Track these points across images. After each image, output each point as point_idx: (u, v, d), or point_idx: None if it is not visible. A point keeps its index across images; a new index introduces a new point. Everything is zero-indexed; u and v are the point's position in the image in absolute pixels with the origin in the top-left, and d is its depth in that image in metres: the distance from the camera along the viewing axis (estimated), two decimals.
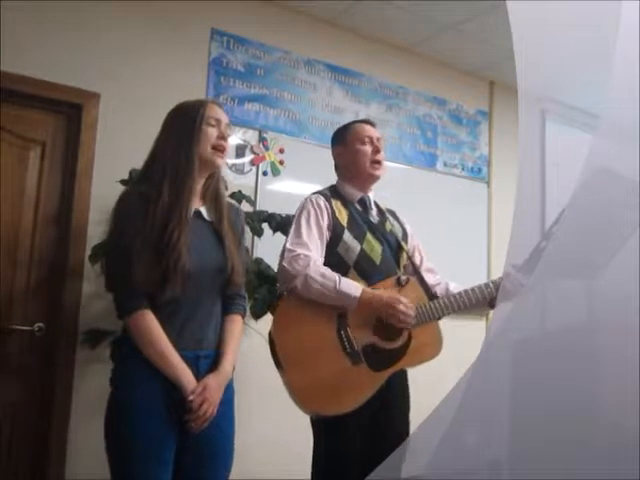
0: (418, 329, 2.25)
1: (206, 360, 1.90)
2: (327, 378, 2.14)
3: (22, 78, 3.03)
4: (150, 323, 1.82)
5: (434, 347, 2.31)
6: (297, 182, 3.89)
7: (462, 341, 3.38)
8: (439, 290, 2.47)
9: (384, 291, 2.23)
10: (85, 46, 3.26)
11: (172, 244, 1.81)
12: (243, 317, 2.10)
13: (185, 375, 1.82)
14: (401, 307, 2.17)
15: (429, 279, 2.50)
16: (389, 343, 2.23)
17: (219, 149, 1.98)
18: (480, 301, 2.30)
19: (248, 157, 3.76)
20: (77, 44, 3.24)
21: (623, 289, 1.54)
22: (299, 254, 2.20)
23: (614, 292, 1.59)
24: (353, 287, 2.18)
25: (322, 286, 2.15)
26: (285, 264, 2.20)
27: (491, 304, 2.31)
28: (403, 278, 2.31)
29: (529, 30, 1.55)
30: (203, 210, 2.00)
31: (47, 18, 3.16)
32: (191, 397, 1.80)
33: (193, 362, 1.86)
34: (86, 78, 3.23)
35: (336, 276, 2.18)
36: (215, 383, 1.86)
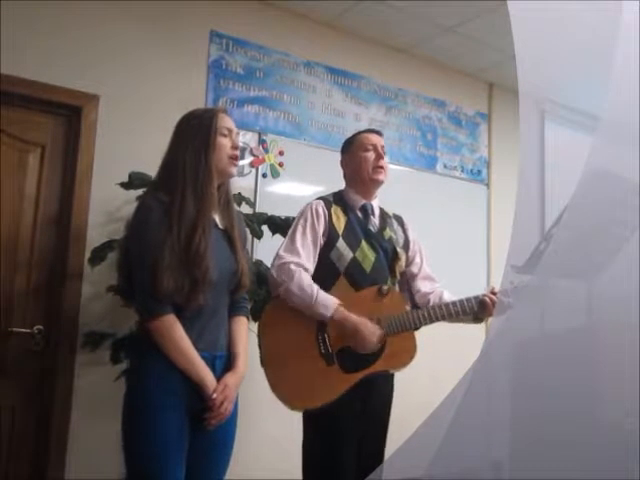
0: (394, 337, 2.36)
1: (221, 360, 2.01)
2: (301, 375, 2.30)
3: (22, 80, 3.03)
4: (175, 327, 1.90)
5: (407, 355, 2.40)
6: (296, 184, 3.89)
7: (461, 341, 3.38)
8: (432, 298, 2.55)
9: (355, 317, 2.31)
10: (84, 48, 3.26)
11: (200, 257, 1.89)
12: (248, 319, 2.20)
13: (208, 375, 1.93)
14: (365, 334, 2.28)
15: (425, 287, 2.60)
16: None
17: (233, 158, 2.06)
18: (460, 314, 2.40)
19: (248, 159, 3.76)
20: (76, 46, 3.24)
21: (623, 289, 1.54)
22: (287, 262, 2.34)
23: (614, 293, 1.59)
24: (327, 305, 2.30)
25: (300, 299, 2.30)
26: (273, 271, 2.37)
27: (476, 317, 2.43)
28: (384, 288, 2.41)
29: (530, 31, 1.55)
30: (217, 218, 2.07)
31: (46, 20, 3.16)
32: (214, 395, 1.90)
33: (210, 362, 1.96)
34: (85, 80, 3.23)
35: (315, 291, 2.30)
36: (233, 382, 1.99)
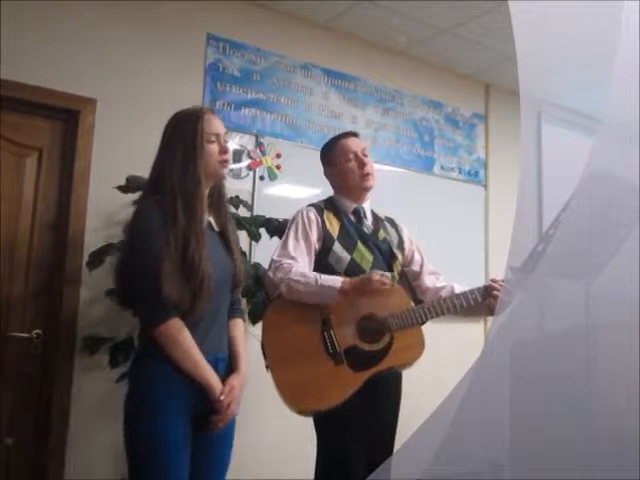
0: (400, 333, 2.33)
1: (222, 362, 2.02)
2: (310, 377, 2.25)
3: (18, 85, 3.03)
4: (182, 330, 1.89)
5: (416, 350, 2.37)
6: (294, 186, 3.90)
7: (460, 342, 3.39)
8: (444, 294, 2.50)
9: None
10: (81, 52, 3.26)
11: (195, 267, 1.88)
12: (244, 320, 2.23)
13: (214, 378, 1.93)
14: (375, 276, 2.24)
15: (432, 282, 2.58)
16: (371, 345, 2.31)
17: (222, 162, 2.05)
18: (464, 307, 2.36)
19: (245, 162, 3.76)
20: (73, 50, 3.24)
21: (621, 290, 1.54)
22: (282, 263, 2.32)
23: (612, 293, 1.59)
24: (333, 280, 2.28)
25: (304, 285, 2.26)
26: (270, 274, 2.33)
27: (491, 311, 2.36)
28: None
29: (531, 32, 1.55)
30: (212, 220, 2.08)
31: (43, 25, 3.16)
32: (222, 397, 1.91)
33: (213, 365, 1.96)
34: (82, 84, 3.23)
35: (316, 275, 2.28)
36: (238, 383, 2.00)
